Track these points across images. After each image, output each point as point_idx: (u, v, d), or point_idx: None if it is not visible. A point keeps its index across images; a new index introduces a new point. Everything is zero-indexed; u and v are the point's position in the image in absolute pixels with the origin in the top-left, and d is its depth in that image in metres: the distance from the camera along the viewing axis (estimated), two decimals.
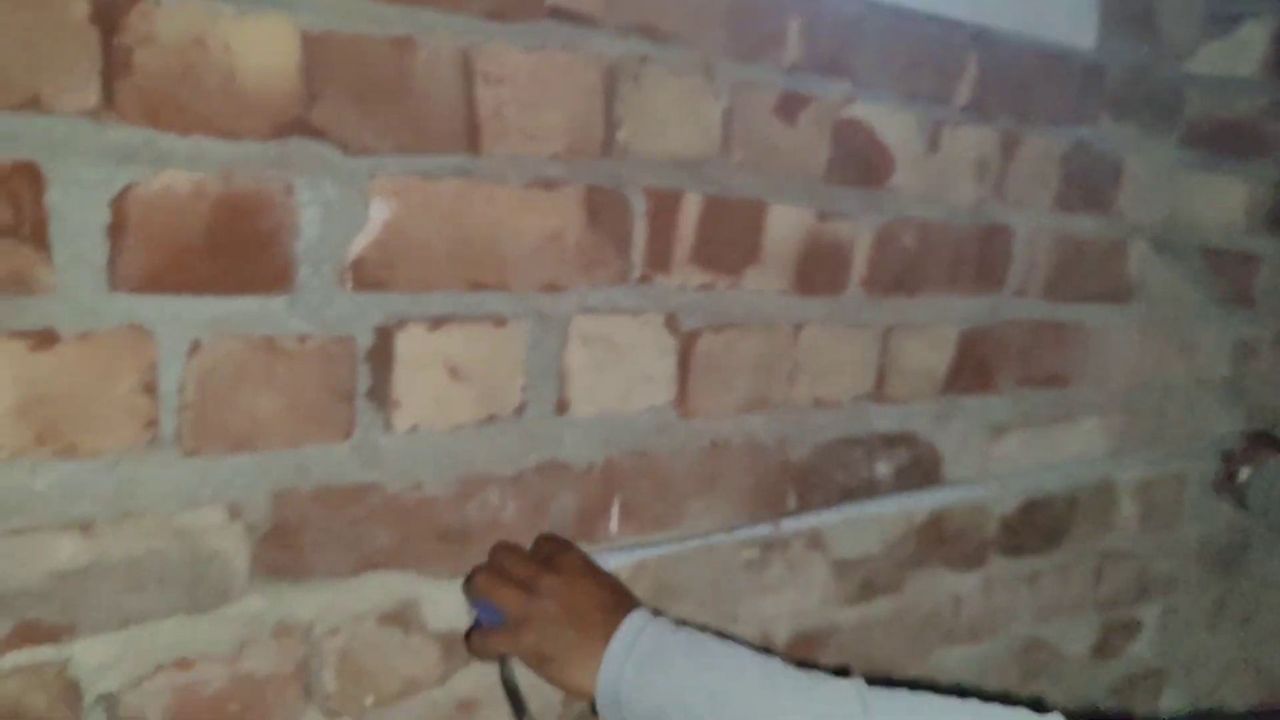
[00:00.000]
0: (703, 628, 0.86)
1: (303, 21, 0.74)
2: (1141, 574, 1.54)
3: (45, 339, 0.68)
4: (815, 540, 1.13)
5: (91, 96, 0.67)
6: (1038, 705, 0.74)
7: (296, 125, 0.75)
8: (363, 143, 0.78)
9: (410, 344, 0.83)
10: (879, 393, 1.15)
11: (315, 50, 0.75)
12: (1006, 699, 0.76)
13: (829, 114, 1.03)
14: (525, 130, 0.85)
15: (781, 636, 1.12)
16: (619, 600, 0.86)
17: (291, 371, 0.78)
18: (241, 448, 0.77)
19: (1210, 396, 1.56)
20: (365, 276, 0.80)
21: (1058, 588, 1.43)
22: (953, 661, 1.32)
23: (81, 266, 0.69)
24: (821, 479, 1.12)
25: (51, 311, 0.68)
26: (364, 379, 0.82)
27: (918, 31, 1.08)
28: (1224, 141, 1.44)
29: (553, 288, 0.89)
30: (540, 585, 0.84)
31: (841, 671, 0.82)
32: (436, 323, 0.84)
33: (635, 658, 0.81)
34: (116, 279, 0.70)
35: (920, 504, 1.22)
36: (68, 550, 0.71)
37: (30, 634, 0.71)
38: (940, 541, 1.26)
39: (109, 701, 0.75)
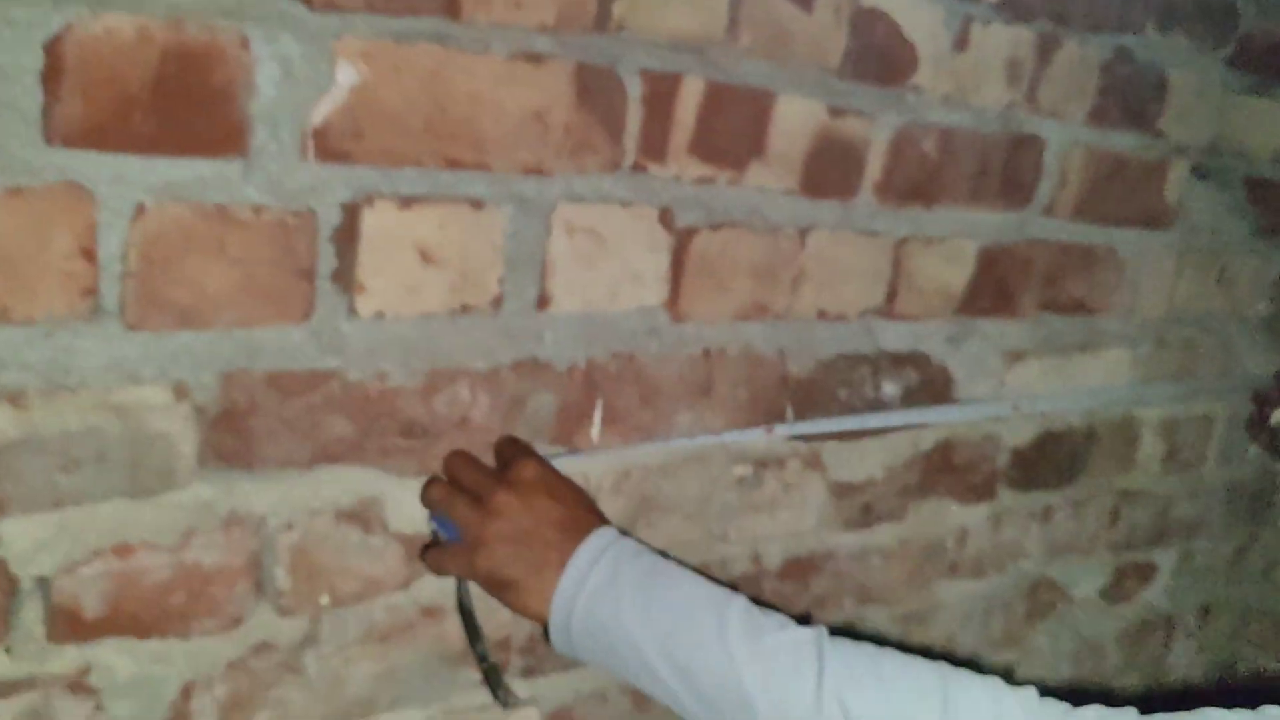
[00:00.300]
0: (663, 554, 0.81)
1: None
2: (1160, 516, 1.48)
3: None
4: (813, 460, 1.07)
5: None
6: (1007, 678, 0.71)
7: None
8: None
9: (378, 223, 0.77)
10: (889, 308, 1.08)
11: None
12: (976, 667, 0.72)
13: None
14: None
15: (773, 559, 1.07)
16: (578, 519, 0.81)
17: (245, 244, 0.73)
18: (189, 324, 0.72)
19: (1246, 333, 1.48)
20: (329, 146, 0.74)
21: (1070, 525, 1.36)
22: (954, 596, 1.27)
23: (12, 115, 0.64)
24: (823, 397, 1.06)
25: None
26: (327, 259, 0.76)
27: None
28: (1277, 63, 1.35)
29: (536, 171, 0.83)
30: (495, 503, 0.79)
31: (804, 619, 0.77)
32: (407, 201, 0.78)
33: (588, 589, 0.77)
34: (52, 131, 0.65)
35: (928, 429, 1.16)
36: None
37: None
38: (948, 470, 1.20)
39: (45, 586, 0.70)
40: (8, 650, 0.70)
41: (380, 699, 0.86)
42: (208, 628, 0.77)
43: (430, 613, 0.87)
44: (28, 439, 0.68)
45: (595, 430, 0.92)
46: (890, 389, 1.11)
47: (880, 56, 0.98)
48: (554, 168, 0.84)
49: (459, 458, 0.84)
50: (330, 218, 0.76)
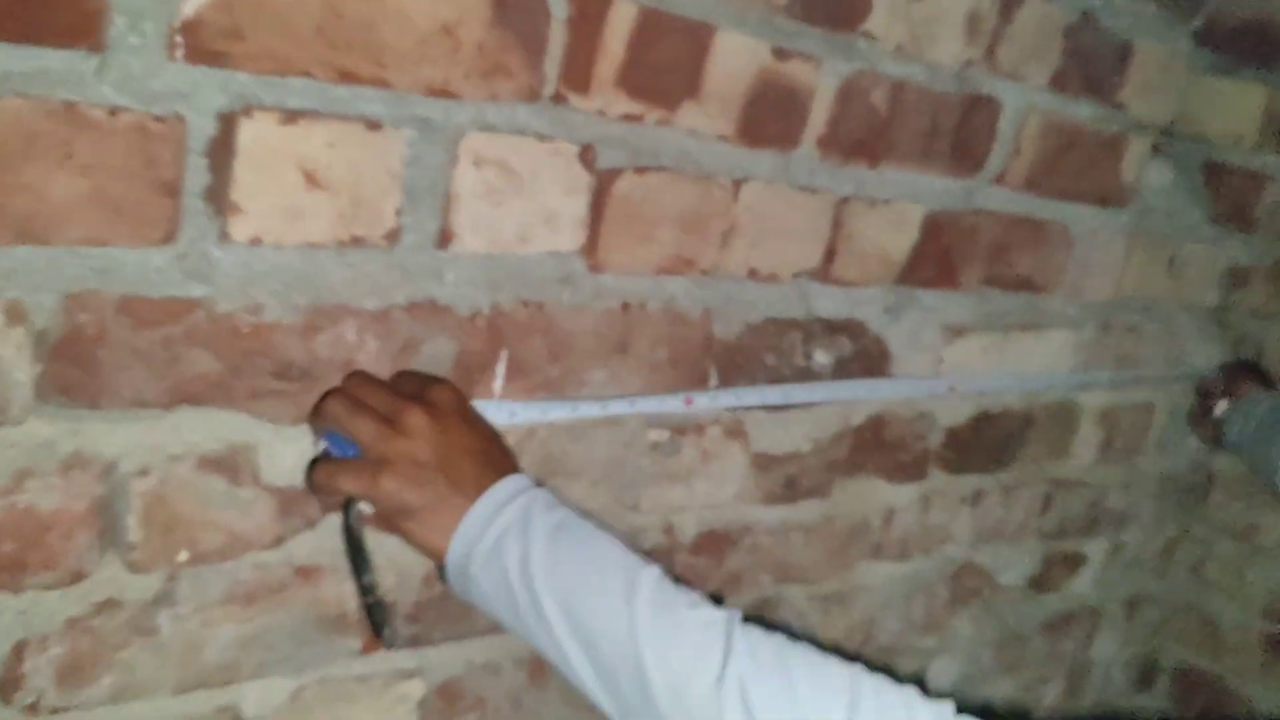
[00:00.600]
0: (585, 515, 0.75)
1: None
2: (1093, 506, 1.44)
3: None
4: (735, 429, 1.00)
5: None
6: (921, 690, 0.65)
7: None
8: None
9: (257, 137, 0.69)
10: (825, 272, 1.01)
11: None
12: (890, 673, 0.66)
13: None
14: None
15: (687, 531, 1.00)
16: (494, 456, 0.75)
17: (98, 150, 0.64)
18: (28, 237, 0.63)
19: (1193, 323, 1.44)
20: (202, 45, 0.65)
21: (1000, 511, 1.31)
22: (877, 578, 1.21)
23: None
24: (749, 362, 0.99)
25: None
26: (198, 174, 0.68)
27: None
28: (1245, 43, 1.30)
29: (443, 93, 0.75)
30: (406, 422, 0.72)
31: (716, 598, 0.72)
32: (293, 115, 0.70)
33: (496, 528, 0.70)
34: None
35: (859, 403, 1.09)
36: None
37: None
38: (878, 447, 1.14)
39: None
40: None
41: (243, 666, 0.78)
42: (44, 581, 0.69)
43: (305, 573, 0.79)
44: None
45: (498, 383, 0.84)
46: (822, 358, 1.04)
47: None
48: (463, 90, 0.75)
49: (363, 376, 0.76)
50: (204, 128, 0.67)
